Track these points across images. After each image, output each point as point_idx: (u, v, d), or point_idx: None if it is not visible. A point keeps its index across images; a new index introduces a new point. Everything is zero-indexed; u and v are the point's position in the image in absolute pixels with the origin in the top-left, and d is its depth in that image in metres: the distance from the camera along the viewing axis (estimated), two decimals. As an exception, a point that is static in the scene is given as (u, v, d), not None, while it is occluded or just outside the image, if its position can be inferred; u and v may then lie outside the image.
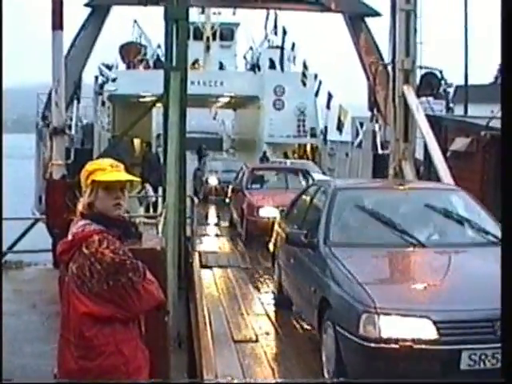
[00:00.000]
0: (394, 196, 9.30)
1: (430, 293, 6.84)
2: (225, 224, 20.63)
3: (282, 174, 20.28)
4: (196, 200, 17.18)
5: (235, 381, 7.19)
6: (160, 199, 18.64)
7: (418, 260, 7.96)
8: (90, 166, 4.23)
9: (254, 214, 16.45)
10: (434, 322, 6.08)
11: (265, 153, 36.90)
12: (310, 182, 17.61)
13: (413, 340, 6.03)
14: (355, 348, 6.31)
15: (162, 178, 17.26)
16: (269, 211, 15.88)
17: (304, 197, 10.57)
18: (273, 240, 11.30)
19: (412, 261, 8.03)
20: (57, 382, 4.31)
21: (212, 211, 24.17)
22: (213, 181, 26.87)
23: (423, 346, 6.04)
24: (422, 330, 6.11)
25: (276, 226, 11.38)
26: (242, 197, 17.99)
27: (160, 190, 17.57)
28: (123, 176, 4.24)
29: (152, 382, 4.39)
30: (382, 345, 6.09)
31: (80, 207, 4.19)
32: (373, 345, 6.13)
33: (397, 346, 6.03)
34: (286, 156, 36.00)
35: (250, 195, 17.62)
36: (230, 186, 21.47)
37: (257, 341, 8.81)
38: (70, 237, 4.14)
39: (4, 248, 14.31)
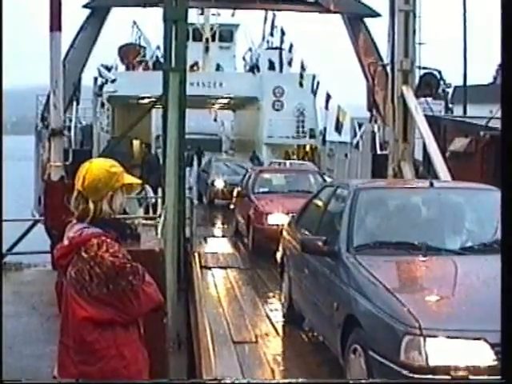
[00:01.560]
0: (424, 196, 8.23)
1: (481, 308, 5.50)
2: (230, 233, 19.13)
3: (292, 177, 18.95)
4: (196, 201, 16.99)
5: (236, 381, 7.17)
6: (159, 200, 18.66)
7: (459, 269, 6.73)
8: (112, 168, 4.16)
9: (262, 221, 15.19)
10: (492, 345, 5.02)
11: (254, 152, 36.87)
12: (322, 183, 16.32)
13: (467, 368, 5.01)
14: (394, 378, 5.23)
15: (162, 179, 17.26)
16: (278, 218, 14.44)
17: (318, 199, 9.65)
18: (280, 248, 10.37)
19: (453, 270, 6.75)
20: (66, 383, 4.28)
21: (218, 220, 22.66)
22: (219, 183, 25.45)
23: (481, 377, 4.99)
24: (478, 354, 5.09)
25: (284, 233, 10.46)
26: (249, 202, 16.70)
27: (159, 191, 17.54)
28: (137, 179, 4.33)
29: (152, 382, 4.38)
30: (430, 375, 5.07)
31: (92, 210, 4.07)
32: (418, 375, 5.09)
33: (448, 377, 4.98)
34: (288, 157, 36.01)
35: (257, 200, 16.29)
36: (236, 189, 19.91)
37: (256, 342, 8.80)
38: (66, 241, 4.09)
39: (3, 249, 14.31)
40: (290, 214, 13.02)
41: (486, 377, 4.96)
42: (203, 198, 26.80)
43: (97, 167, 4.13)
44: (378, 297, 5.90)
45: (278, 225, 13.67)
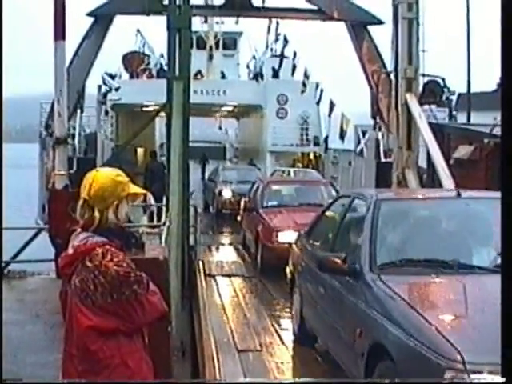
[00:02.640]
0: (451, 207, 7.56)
1: None
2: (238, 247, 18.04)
3: (302, 188, 17.76)
4: (200, 209, 16.76)
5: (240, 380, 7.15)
6: (163, 208, 18.64)
7: (497, 289, 5.16)
8: (118, 177, 4.19)
9: (272, 239, 14.06)
10: None
11: (251, 160, 36.80)
12: (336, 195, 15.13)
13: None
14: None
15: (166, 187, 17.23)
16: (289, 236, 13.04)
17: (331, 211, 9.02)
18: (290, 262, 9.75)
19: (490, 290, 5.44)
20: (67, 383, 4.28)
21: (225, 233, 21.51)
22: (227, 193, 24.32)
23: None
24: None
25: (294, 247, 9.86)
26: (257, 216, 15.62)
27: (164, 198, 17.49)
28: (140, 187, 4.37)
29: (154, 383, 4.37)
30: None
31: (98, 219, 4.08)
32: None
33: None
34: (292, 165, 35.99)
35: (266, 215, 15.24)
36: (243, 200, 18.86)
37: (261, 350, 8.78)
38: (70, 250, 4.09)
39: (7, 258, 14.32)
40: (303, 231, 12.05)
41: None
42: (210, 208, 26.19)
43: (103, 176, 4.15)
44: (411, 324, 5.22)
45: (289, 243, 12.29)
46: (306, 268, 8.66)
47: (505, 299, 3.40)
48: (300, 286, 8.96)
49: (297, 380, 7.36)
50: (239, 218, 18.50)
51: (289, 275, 9.73)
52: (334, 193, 16.32)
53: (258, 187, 17.53)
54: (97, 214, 4.08)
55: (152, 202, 20.56)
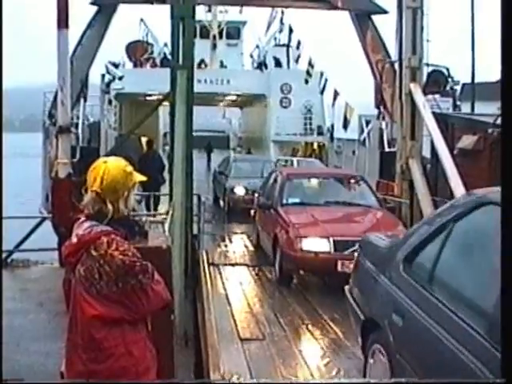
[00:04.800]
0: None
1: None
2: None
3: (329, 183, 14.95)
4: (204, 199, 15.78)
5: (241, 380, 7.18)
6: (151, 199, 18.67)
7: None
8: (127, 168, 4.22)
9: (295, 246, 11.56)
10: None
11: (249, 150, 36.70)
12: (369, 192, 13.95)
13: None
14: None
15: (159, 177, 17.21)
16: (317, 243, 11.46)
17: (452, 223, 5.19)
18: (356, 307, 6.60)
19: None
20: (69, 383, 4.29)
21: (236, 236, 18.37)
22: (239, 190, 21.61)
23: None
24: None
25: (363, 267, 6.76)
26: (275, 216, 13.02)
27: (151, 189, 17.23)
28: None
29: (163, 383, 4.39)
30: None
31: (111, 211, 4.09)
32: None
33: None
34: (296, 154, 36.02)
35: (286, 216, 12.58)
36: (256, 197, 16.47)
37: (263, 339, 8.80)
38: (75, 238, 4.08)
39: (11, 247, 14.34)
40: (332, 238, 11.27)
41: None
42: (219, 201, 23.72)
43: (114, 168, 4.15)
44: None
45: (316, 252, 11.31)
46: (412, 323, 5.13)
47: (505, 299, 3.39)
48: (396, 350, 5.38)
49: (297, 380, 7.36)
50: (252, 213, 16.26)
51: (360, 316, 6.41)
52: (367, 189, 14.16)
53: (275, 180, 14.78)
54: (110, 207, 4.09)
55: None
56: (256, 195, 16.45)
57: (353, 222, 12.81)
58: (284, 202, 13.43)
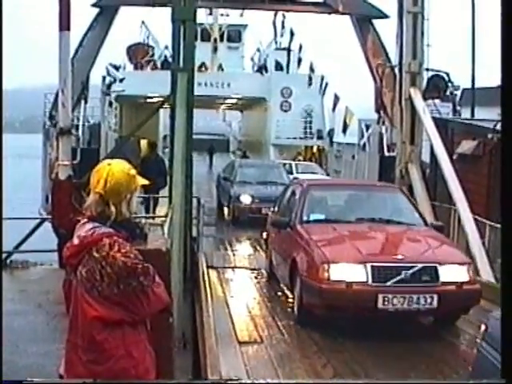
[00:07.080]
0: None
1: None
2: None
3: (360, 196, 11.76)
4: (202, 205, 15.64)
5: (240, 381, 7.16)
6: (151, 201, 18.59)
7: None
8: (131, 171, 4.24)
9: (320, 275, 8.89)
10: None
11: (245, 153, 36.60)
12: (410, 207, 11.18)
13: None
14: None
15: (159, 181, 17.17)
16: (348, 271, 8.86)
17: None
18: None
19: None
20: (69, 383, 4.29)
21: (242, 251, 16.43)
22: (246, 199, 20.05)
23: None
24: None
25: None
26: (294, 237, 10.34)
27: (151, 191, 17.14)
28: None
29: (154, 383, 4.39)
30: None
31: (114, 213, 4.12)
32: None
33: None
34: (295, 158, 36.03)
35: (308, 235, 9.94)
36: (270, 212, 13.55)
37: (262, 342, 8.79)
38: (76, 240, 4.09)
39: (10, 248, 14.36)
40: (370, 264, 8.71)
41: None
42: (223, 208, 22.31)
43: (118, 171, 4.18)
44: None
45: (348, 283, 8.76)
46: None
47: (505, 299, 3.41)
48: None
49: (297, 380, 7.34)
50: (264, 235, 13.43)
51: None
52: (406, 203, 11.43)
53: (293, 193, 12.01)
54: (113, 209, 4.11)
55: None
56: (270, 212, 13.63)
57: (395, 244, 10.05)
58: (305, 218, 10.66)
